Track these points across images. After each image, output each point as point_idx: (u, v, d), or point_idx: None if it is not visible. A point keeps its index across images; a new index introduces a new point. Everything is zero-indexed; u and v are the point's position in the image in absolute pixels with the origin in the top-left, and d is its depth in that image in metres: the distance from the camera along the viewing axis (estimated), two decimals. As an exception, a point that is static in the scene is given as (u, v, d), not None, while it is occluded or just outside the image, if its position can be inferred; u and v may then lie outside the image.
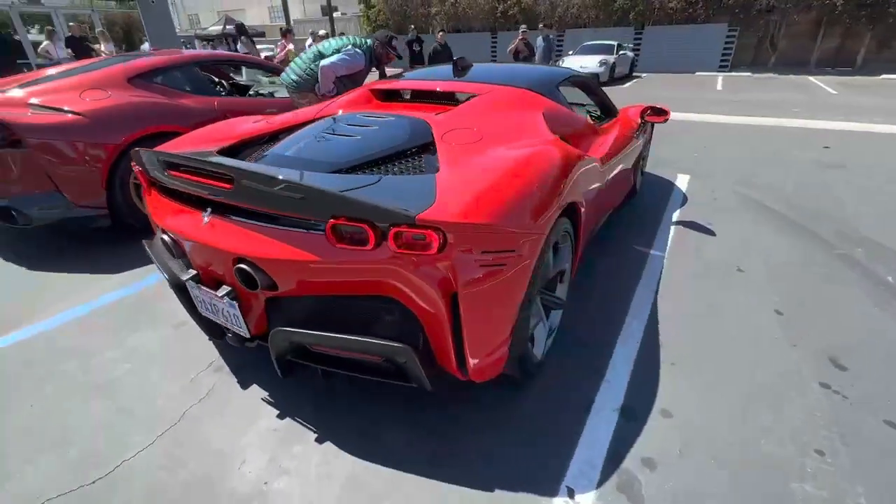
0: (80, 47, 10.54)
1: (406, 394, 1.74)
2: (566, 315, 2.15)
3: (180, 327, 2.23)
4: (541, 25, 9.49)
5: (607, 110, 3.32)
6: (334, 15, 31.97)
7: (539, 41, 9.49)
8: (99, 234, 3.16)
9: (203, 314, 1.65)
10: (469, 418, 1.68)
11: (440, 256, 1.22)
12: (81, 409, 1.76)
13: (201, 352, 2.05)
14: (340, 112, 2.24)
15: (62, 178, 2.74)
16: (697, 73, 16.06)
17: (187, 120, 3.16)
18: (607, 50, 14.45)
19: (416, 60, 9.49)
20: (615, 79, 14.28)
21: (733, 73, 15.71)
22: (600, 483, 1.43)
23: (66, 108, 2.77)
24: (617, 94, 10.61)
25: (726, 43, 16.33)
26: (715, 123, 7.35)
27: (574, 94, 3.23)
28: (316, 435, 1.60)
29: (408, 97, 2.55)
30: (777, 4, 15.34)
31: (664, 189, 4.27)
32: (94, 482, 1.45)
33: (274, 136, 2.12)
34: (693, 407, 1.72)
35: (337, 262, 1.27)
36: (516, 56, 9.53)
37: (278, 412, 1.71)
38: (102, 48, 10.74)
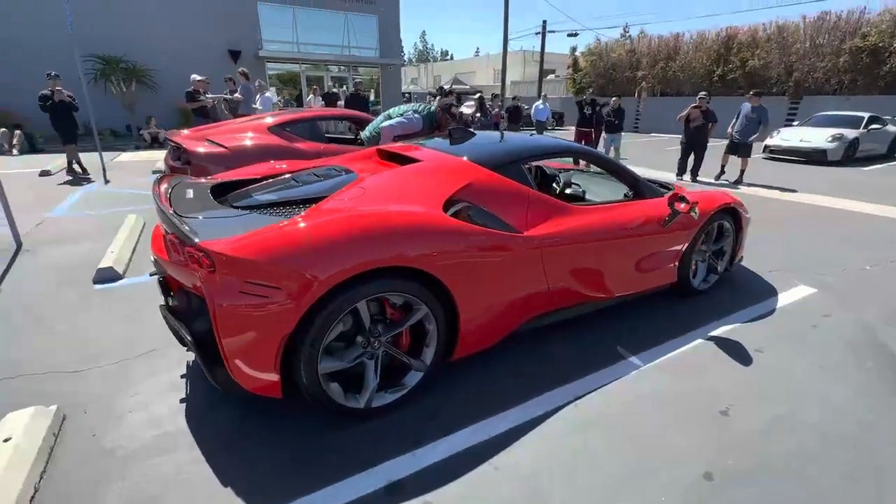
0: (330, 101, 14.39)
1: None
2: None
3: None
4: (750, 93, 8.28)
5: (633, 189, 3.00)
6: (549, 77, 34.41)
7: (745, 108, 8.32)
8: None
9: None
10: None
11: (210, 275, 1.61)
12: None
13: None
14: (324, 165, 2.82)
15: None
16: None
17: (297, 157, 4.28)
18: (851, 123, 11.44)
19: (585, 124, 9.51)
20: (857, 159, 11.12)
21: None
22: None
23: (222, 144, 4.20)
24: (843, 180, 8.40)
25: None
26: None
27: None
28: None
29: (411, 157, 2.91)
30: None
31: (751, 295, 3.38)
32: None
33: (278, 176, 2.84)
34: None
35: (183, 265, 1.79)
36: (687, 124, 8.62)
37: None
38: (340, 102, 14.42)
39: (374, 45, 17.36)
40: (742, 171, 8.34)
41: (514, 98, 12.33)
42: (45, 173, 7.76)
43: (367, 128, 4.33)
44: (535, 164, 3.90)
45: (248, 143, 4.32)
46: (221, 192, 2.50)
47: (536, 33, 26.89)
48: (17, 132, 10.40)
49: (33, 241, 4.30)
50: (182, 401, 2.12)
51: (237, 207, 2.15)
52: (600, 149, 9.63)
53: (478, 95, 10.32)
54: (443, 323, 2.06)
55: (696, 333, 2.84)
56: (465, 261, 2.04)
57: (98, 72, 12.04)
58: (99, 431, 1.93)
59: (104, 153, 7.84)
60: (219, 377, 1.74)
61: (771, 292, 3.51)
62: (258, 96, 9.61)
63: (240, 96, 8.94)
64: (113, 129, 12.57)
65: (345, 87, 15.90)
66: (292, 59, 16.34)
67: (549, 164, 4.06)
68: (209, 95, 8.58)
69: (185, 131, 4.72)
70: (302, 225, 1.78)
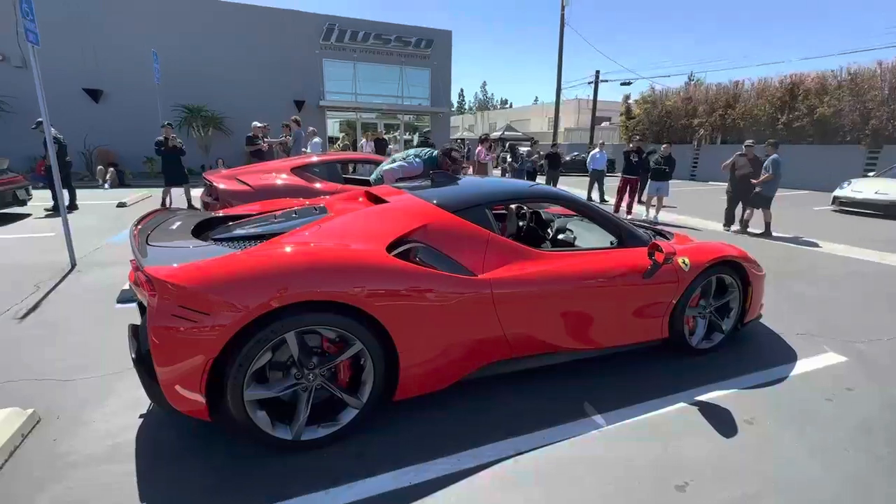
0: (380, 146, 15.32)
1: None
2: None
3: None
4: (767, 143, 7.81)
5: (615, 236, 2.89)
6: (603, 124, 34.31)
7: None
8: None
9: None
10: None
11: (152, 297, 1.77)
12: None
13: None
14: (308, 204, 3.02)
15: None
16: None
17: (315, 196, 4.60)
18: (938, 175, 10.24)
19: (630, 171, 9.34)
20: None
21: None
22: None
23: (247, 183, 4.62)
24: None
25: None
26: None
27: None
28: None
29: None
30: None
31: (765, 358, 3.04)
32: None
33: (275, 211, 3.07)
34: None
35: (138, 288, 1.98)
36: (732, 172, 8.18)
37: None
38: (391, 146, 15.27)
39: (426, 94, 18.47)
40: (766, 224, 7.76)
41: (553, 145, 12.41)
42: (121, 205, 8.87)
43: (375, 171, 4.58)
44: (532, 208, 3.91)
45: (271, 182, 4.73)
46: (216, 225, 2.75)
47: (589, 83, 27.25)
48: (111, 169, 12.06)
49: (86, 263, 4.89)
50: (140, 416, 2.27)
51: (212, 240, 2.36)
52: (645, 196, 9.35)
53: (508, 145, 10.54)
54: (380, 361, 2.07)
55: (681, 396, 2.59)
56: (403, 300, 2.06)
57: (183, 119, 13.81)
58: (60, 437, 2.10)
59: (175, 189, 8.85)
60: (153, 395, 1.86)
61: (790, 357, 3.14)
62: (309, 141, 10.49)
63: (290, 140, 9.81)
64: (189, 168, 14.16)
65: (395, 134, 16.89)
66: (350, 108, 17.75)
67: (556, 210, 4.02)
68: (267, 140, 9.50)
69: (223, 171, 5.26)
70: (240, 257, 1.92)
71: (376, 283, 1.99)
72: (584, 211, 2.95)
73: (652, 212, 9.16)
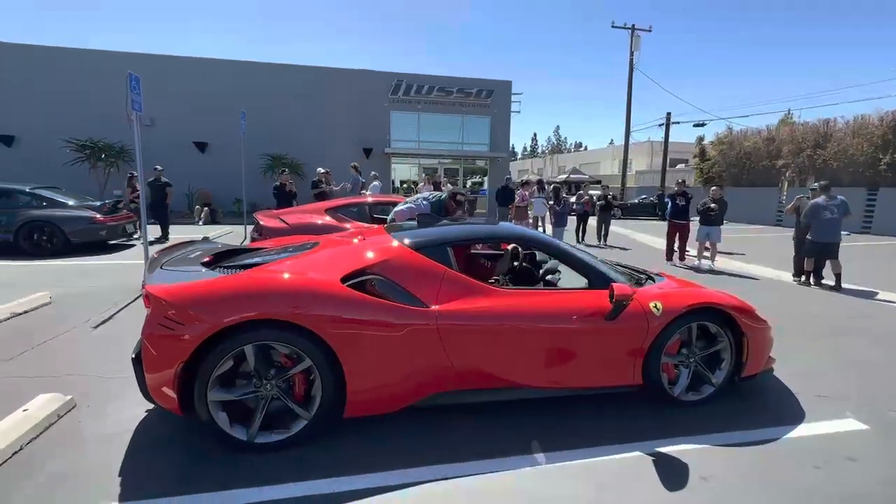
0: (437, 188, 16.06)
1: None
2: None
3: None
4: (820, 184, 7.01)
5: (584, 276, 2.94)
6: (678, 166, 32.72)
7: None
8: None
9: None
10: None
11: (148, 307, 2.23)
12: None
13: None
14: (309, 240, 3.45)
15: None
16: None
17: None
18: None
19: (677, 215, 8.94)
20: None
21: None
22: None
23: (286, 221, 5.29)
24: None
25: None
26: None
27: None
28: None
29: None
30: None
31: (765, 416, 2.80)
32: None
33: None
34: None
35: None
36: (798, 217, 7.49)
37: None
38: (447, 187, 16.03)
39: (486, 141, 19.25)
40: (809, 273, 7.05)
41: (605, 187, 12.27)
42: (205, 239, 10.29)
43: (392, 211, 5.03)
44: (526, 247, 4.03)
45: (307, 221, 5.37)
46: (231, 256, 3.29)
47: (660, 125, 26.49)
48: (206, 208, 14.08)
49: (159, 286, 5.83)
50: (146, 411, 2.72)
51: (217, 267, 2.85)
52: (692, 241, 8.83)
53: (552, 186, 10.63)
54: (328, 379, 2.33)
55: (642, 445, 2.50)
56: (350, 324, 2.33)
57: (268, 166, 15.82)
58: (84, 420, 2.62)
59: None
60: (142, 390, 2.29)
61: (795, 418, 2.86)
62: (371, 184, 11.49)
63: (349, 185, 10.86)
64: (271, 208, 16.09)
65: (445, 178, 17.80)
66: (412, 154, 19.04)
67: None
68: (332, 185, 10.63)
69: (273, 211, 6.09)
70: (213, 281, 2.34)
71: (324, 308, 2.30)
72: (551, 251, 3.05)
73: (705, 260, 8.57)
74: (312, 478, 2.14)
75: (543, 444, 2.48)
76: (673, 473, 2.26)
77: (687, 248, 9.01)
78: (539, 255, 3.97)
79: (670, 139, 25.37)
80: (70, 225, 7.94)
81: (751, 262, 9.00)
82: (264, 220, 5.45)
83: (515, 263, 3.93)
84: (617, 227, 15.54)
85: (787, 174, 18.78)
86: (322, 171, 10.56)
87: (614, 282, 2.84)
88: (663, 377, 2.86)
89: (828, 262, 6.96)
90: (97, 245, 8.50)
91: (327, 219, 5.48)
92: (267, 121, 15.98)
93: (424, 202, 4.54)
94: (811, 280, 7.22)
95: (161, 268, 2.66)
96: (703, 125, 24.35)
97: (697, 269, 8.34)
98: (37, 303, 4.79)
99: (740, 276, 7.86)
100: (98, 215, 8.32)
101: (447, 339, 2.48)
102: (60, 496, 1.99)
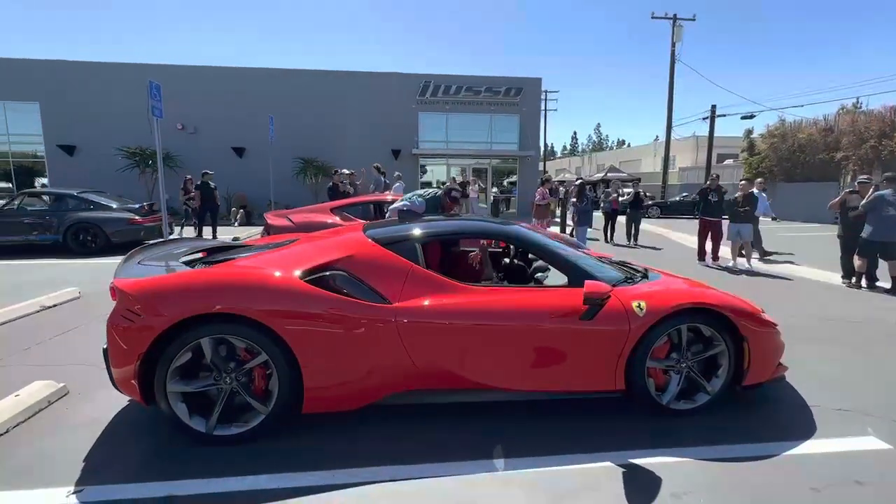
0: (463, 188, 15.97)
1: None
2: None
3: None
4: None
5: (565, 274, 2.77)
6: (727, 162, 30.77)
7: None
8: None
9: None
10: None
11: (114, 300, 2.31)
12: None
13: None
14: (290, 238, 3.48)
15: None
16: None
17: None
18: None
19: (709, 212, 8.38)
20: None
21: None
22: None
23: (291, 220, 5.40)
24: None
25: None
26: None
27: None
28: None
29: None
30: None
31: (768, 430, 2.52)
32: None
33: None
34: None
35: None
36: (844, 213, 6.81)
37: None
38: (472, 187, 15.93)
39: (515, 139, 18.94)
40: (860, 274, 6.29)
41: (635, 183, 11.75)
42: (235, 239, 10.75)
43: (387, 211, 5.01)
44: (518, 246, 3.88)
45: (311, 219, 5.46)
46: (220, 251, 3.38)
47: (704, 118, 25.05)
48: (241, 210, 14.74)
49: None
50: (130, 400, 2.83)
51: (197, 262, 2.93)
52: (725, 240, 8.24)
53: (578, 181, 10.26)
54: (285, 374, 2.31)
55: (613, 455, 2.31)
56: (304, 319, 2.30)
57: (300, 168, 16.37)
58: (71, 407, 2.75)
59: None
60: (111, 378, 2.37)
61: (805, 433, 2.56)
62: (394, 185, 11.61)
63: (371, 186, 11.04)
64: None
65: (473, 178, 17.70)
66: (440, 155, 19.05)
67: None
68: (355, 186, 10.87)
69: (282, 210, 6.27)
70: (174, 275, 2.39)
71: (276, 302, 2.28)
72: (525, 246, 2.90)
73: (741, 260, 7.96)
74: (259, 472, 2.13)
75: (510, 450, 2.35)
76: (640, 488, 2.07)
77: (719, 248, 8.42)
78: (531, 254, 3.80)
79: (718, 133, 23.89)
80: (111, 226, 8.53)
81: (799, 263, 8.27)
82: (272, 219, 5.60)
83: (507, 260, 3.80)
84: (654, 226, 14.84)
85: (847, 167, 17.20)
86: (346, 172, 10.77)
87: (594, 279, 2.66)
88: (650, 383, 2.64)
89: (882, 263, 6.26)
90: (137, 244, 9.06)
91: (332, 217, 5.55)
92: (299, 125, 16.55)
93: (420, 199, 4.47)
94: (862, 282, 6.54)
95: (138, 263, 2.76)
96: (751, 117, 22.81)
97: (732, 271, 7.78)
98: (66, 297, 5.16)
99: (779, 278, 7.25)
100: (136, 217, 8.90)
101: (407, 337, 2.40)
102: (26, 479, 2.09)
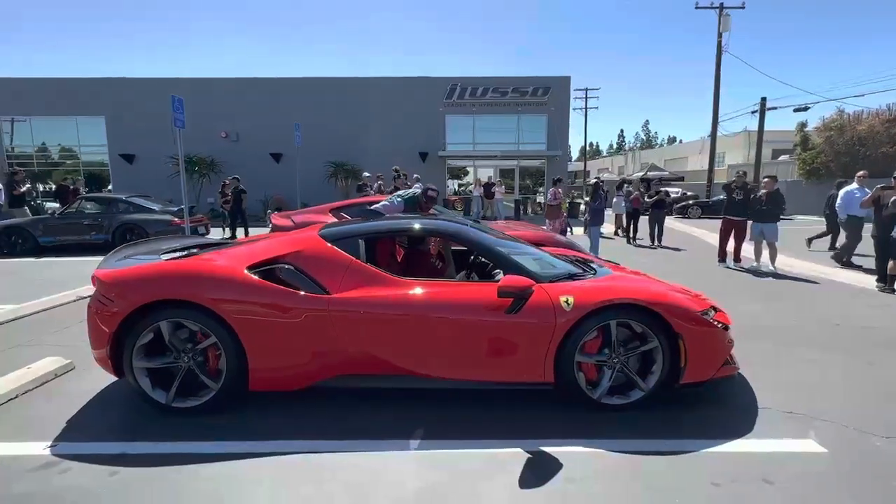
0: (488, 190, 16.15)
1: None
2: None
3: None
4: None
5: (500, 268, 2.89)
6: (781, 158, 28.67)
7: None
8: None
9: None
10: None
11: (94, 287, 2.70)
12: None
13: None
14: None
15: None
16: None
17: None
18: None
19: (733, 210, 7.93)
20: None
21: None
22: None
23: (293, 220, 5.79)
24: None
25: None
26: None
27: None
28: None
29: None
30: None
31: (692, 427, 2.51)
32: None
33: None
34: None
35: None
36: (878, 211, 6.30)
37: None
38: (495, 188, 16.08)
39: (543, 139, 18.75)
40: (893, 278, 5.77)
41: (658, 182, 11.36)
42: (232, 237, 11.49)
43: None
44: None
45: (310, 219, 5.82)
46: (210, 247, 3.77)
47: (753, 112, 23.56)
48: (277, 211, 15.66)
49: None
50: (121, 375, 3.25)
51: (172, 255, 3.31)
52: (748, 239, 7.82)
53: (593, 181, 10.07)
54: (232, 355, 2.60)
55: (526, 442, 2.40)
56: (247, 306, 2.59)
57: (330, 172, 17.13)
58: (73, 380, 3.21)
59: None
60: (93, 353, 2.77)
61: (738, 433, 2.52)
62: (413, 186, 11.97)
63: (390, 187, 11.41)
64: (334, 211, 17.42)
65: (499, 180, 17.75)
66: (468, 157, 19.22)
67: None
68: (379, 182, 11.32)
69: (288, 211, 6.72)
70: (141, 267, 2.74)
71: (222, 291, 2.58)
72: (466, 245, 3.03)
73: (765, 260, 7.53)
74: (204, 440, 2.42)
75: (430, 433, 2.51)
76: (538, 472, 2.16)
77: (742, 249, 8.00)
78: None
79: (773, 127, 22.50)
80: (152, 227, 9.42)
81: (837, 265, 7.68)
82: (276, 219, 6.04)
83: (472, 258, 3.93)
84: (689, 226, 14.20)
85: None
86: (367, 174, 11.25)
87: (527, 275, 2.75)
88: (580, 377, 2.70)
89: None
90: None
91: (330, 217, 5.89)
92: (331, 131, 17.37)
93: (399, 199, 4.69)
94: (895, 286, 6.03)
95: (125, 257, 3.18)
96: (805, 109, 21.10)
97: (756, 272, 7.38)
98: (100, 289, 5.84)
99: (806, 281, 6.80)
100: (175, 219, 9.76)
101: (339, 325, 2.62)
102: (21, 433, 2.51)
